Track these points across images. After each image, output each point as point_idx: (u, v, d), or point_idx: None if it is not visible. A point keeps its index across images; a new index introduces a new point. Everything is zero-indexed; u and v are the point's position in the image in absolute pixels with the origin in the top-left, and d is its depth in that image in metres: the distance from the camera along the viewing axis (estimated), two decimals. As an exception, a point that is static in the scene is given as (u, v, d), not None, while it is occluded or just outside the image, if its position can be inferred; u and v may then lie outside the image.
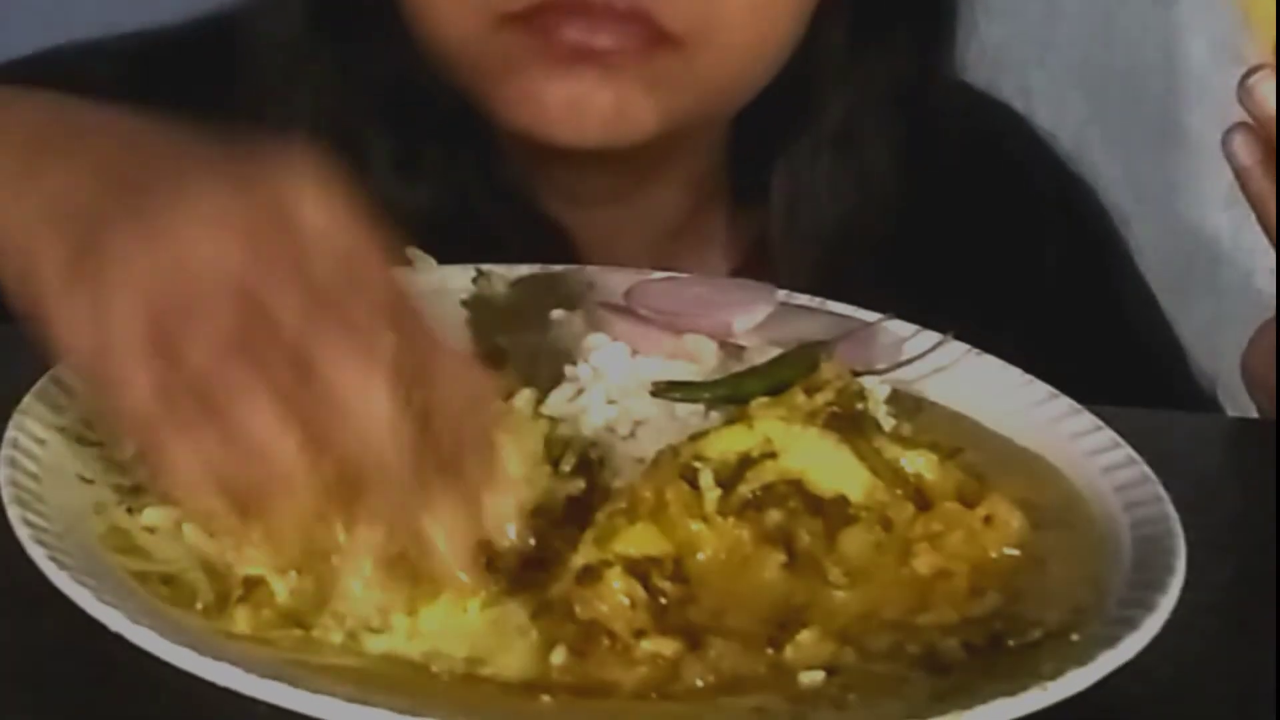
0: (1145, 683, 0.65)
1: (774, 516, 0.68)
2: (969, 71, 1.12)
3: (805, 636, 0.64)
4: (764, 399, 0.72)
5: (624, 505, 0.67)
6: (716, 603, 0.66)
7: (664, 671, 0.63)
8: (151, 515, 0.69)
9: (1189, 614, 0.66)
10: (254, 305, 0.63)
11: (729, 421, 0.72)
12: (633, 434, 0.75)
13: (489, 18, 0.95)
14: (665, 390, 0.76)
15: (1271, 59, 0.88)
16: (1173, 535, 0.70)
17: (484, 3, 0.95)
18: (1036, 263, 1.12)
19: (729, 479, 0.68)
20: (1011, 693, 0.60)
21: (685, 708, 0.62)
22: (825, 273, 1.03)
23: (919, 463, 0.71)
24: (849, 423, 0.71)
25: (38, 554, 0.63)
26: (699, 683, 0.63)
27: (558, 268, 0.90)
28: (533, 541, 0.67)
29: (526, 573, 0.66)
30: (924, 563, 0.68)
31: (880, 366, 0.82)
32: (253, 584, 0.65)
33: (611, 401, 0.76)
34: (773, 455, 0.69)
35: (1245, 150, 0.89)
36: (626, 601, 0.64)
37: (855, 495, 0.69)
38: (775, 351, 0.78)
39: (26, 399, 0.72)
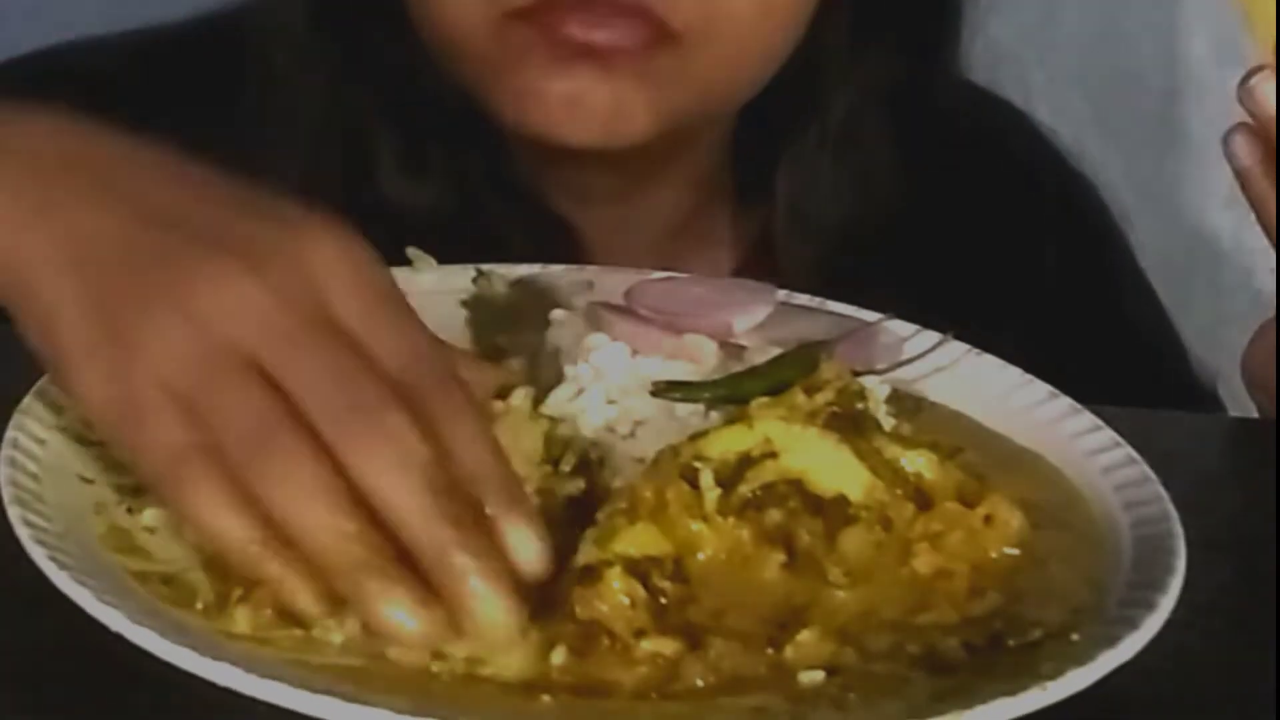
0: (1145, 683, 0.65)
1: (774, 516, 0.68)
2: (969, 71, 1.12)
3: (805, 636, 0.64)
4: (764, 399, 0.72)
5: (624, 505, 0.67)
6: (716, 603, 0.66)
7: (664, 671, 0.63)
8: (151, 515, 0.68)
9: (1189, 614, 0.66)
10: (284, 380, 0.63)
11: (729, 421, 0.71)
12: (633, 434, 0.75)
13: (495, 13, 0.95)
14: (665, 390, 0.76)
15: (1272, 59, 0.88)
16: (1173, 535, 0.70)
17: None
18: (1038, 258, 1.12)
19: (729, 479, 0.68)
20: (1011, 692, 0.60)
21: (685, 707, 0.62)
22: (828, 270, 1.04)
23: (919, 462, 0.71)
24: (849, 422, 0.71)
25: (38, 554, 0.63)
26: (699, 682, 0.63)
27: (558, 268, 0.90)
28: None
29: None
30: (924, 562, 0.68)
31: (880, 366, 0.82)
32: (252, 584, 0.65)
33: (611, 401, 0.76)
34: (773, 455, 0.69)
35: (1246, 151, 0.89)
36: (626, 601, 0.64)
37: (855, 495, 0.69)
38: (775, 351, 0.78)
39: (27, 399, 0.72)
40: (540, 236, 1.01)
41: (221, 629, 0.63)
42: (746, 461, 0.69)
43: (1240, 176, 0.90)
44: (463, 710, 0.60)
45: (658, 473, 0.69)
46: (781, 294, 0.84)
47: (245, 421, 0.63)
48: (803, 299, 0.88)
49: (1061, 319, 1.10)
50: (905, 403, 0.81)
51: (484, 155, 1.02)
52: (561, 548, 0.66)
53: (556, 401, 0.75)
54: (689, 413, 0.75)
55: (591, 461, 0.73)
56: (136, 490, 0.70)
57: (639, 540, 0.66)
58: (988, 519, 0.70)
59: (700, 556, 0.67)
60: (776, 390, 0.73)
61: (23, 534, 0.64)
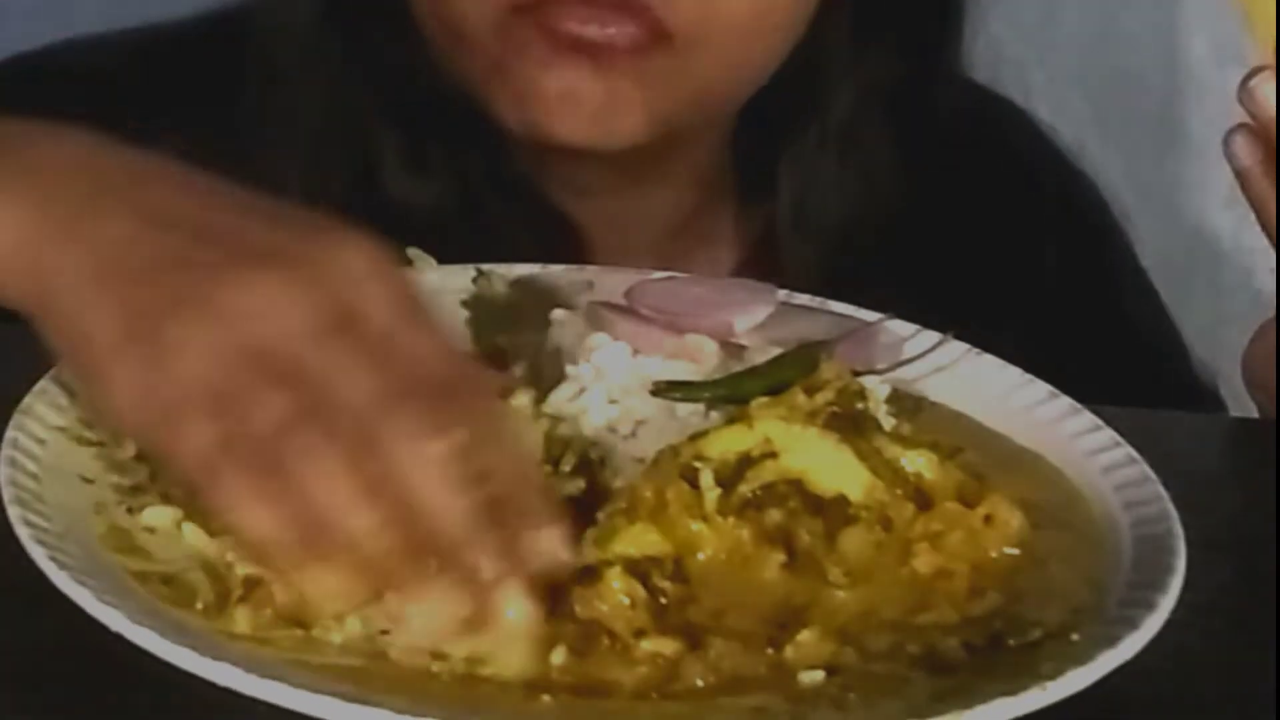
0: (1145, 682, 0.65)
1: (774, 516, 0.68)
2: (970, 71, 1.12)
3: (805, 636, 0.64)
4: (764, 399, 0.72)
5: (624, 505, 0.67)
6: (717, 602, 0.66)
7: (664, 671, 0.63)
8: (151, 515, 0.69)
9: (1189, 614, 0.66)
10: (313, 383, 0.64)
11: (729, 421, 0.71)
12: (633, 434, 0.75)
13: (498, 9, 0.95)
14: (666, 390, 0.76)
15: (1272, 60, 0.88)
16: (1173, 535, 0.70)
17: None
18: (1039, 257, 1.12)
19: (729, 479, 0.68)
20: (1011, 692, 0.60)
21: (685, 707, 0.62)
22: (830, 268, 1.04)
23: (919, 462, 0.71)
24: (849, 422, 0.71)
25: (38, 554, 0.63)
26: (699, 682, 0.63)
27: (558, 268, 0.90)
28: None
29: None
30: (924, 562, 0.68)
31: (880, 366, 0.82)
32: (252, 584, 0.65)
33: (613, 401, 0.76)
34: (773, 455, 0.69)
35: (1246, 151, 0.89)
36: (627, 601, 0.64)
37: (855, 495, 0.69)
38: (776, 351, 0.78)
39: (27, 399, 0.72)
40: (542, 234, 1.01)
41: (221, 629, 0.63)
42: (747, 461, 0.69)
43: (1240, 177, 0.90)
44: (463, 710, 0.60)
45: (658, 472, 0.69)
46: (782, 294, 0.84)
47: (279, 418, 0.63)
48: (803, 299, 0.88)
49: (1062, 318, 1.10)
50: (905, 403, 0.81)
51: (485, 153, 1.02)
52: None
53: (558, 401, 0.75)
54: (689, 412, 0.75)
55: (592, 461, 0.73)
56: (136, 490, 0.70)
57: (639, 540, 0.66)
58: (988, 519, 0.70)
59: (700, 556, 0.67)
60: (777, 390, 0.73)
61: (23, 534, 0.64)
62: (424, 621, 0.63)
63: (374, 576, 0.63)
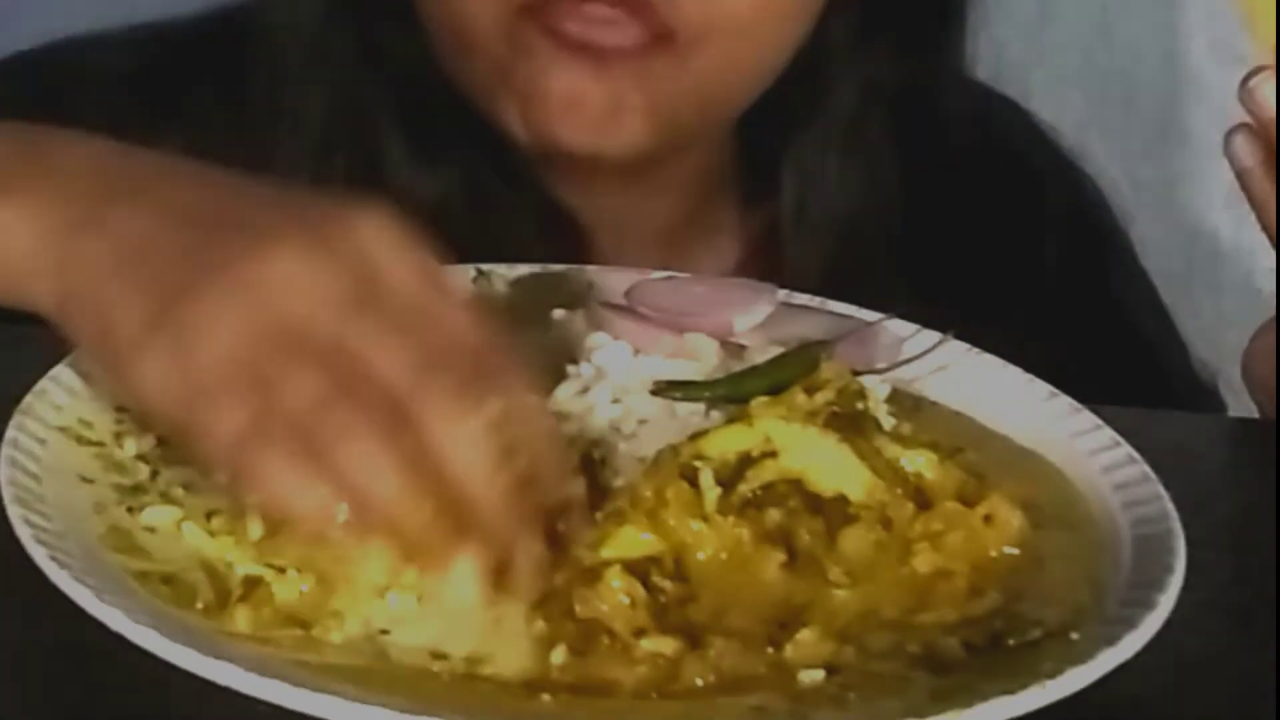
0: (1145, 682, 0.65)
1: (774, 516, 0.68)
2: (971, 70, 1.12)
3: (805, 635, 0.64)
4: (764, 398, 0.72)
5: (624, 505, 0.67)
6: (716, 602, 0.66)
7: (664, 671, 0.63)
8: (152, 515, 0.69)
9: (1188, 613, 0.66)
10: (344, 357, 0.64)
11: (729, 420, 0.72)
12: (634, 433, 0.75)
13: (505, 10, 0.95)
14: (666, 389, 0.76)
15: (1272, 60, 0.88)
16: (1172, 534, 0.70)
17: None
18: (1040, 255, 1.12)
19: (729, 478, 0.68)
20: (1011, 691, 0.60)
21: (685, 707, 0.62)
22: (833, 265, 1.04)
23: (919, 462, 0.71)
24: (849, 422, 0.71)
25: (38, 553, 0.63)
26: (699, 682, 0.63)
27: (558, 267, 0.90)
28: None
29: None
30: (924, 562, 0.68)
31: (880, 366, 0.82)
32: (253, 584, 0.65)
33: (614, 401, 0.76)
34: (773, 454, 0.69)
35: (1246, 151, 0.89)
36: (626, 600, 0.64)
37: (855, 494, 0.69)
38: (776, 351, 0.78)
39: (27, 398, 0.72)
40: (545, 230, 1.01)
41: (222, 628, 0.63)
42: (747, 461, 0.69)
43: (1241, 177, 0.90)
44: (463, 709, 0.60)
45: (658, 472, 0.69)
46: (782, 293, 0.84)
47: (313, 396, 0.63)
48: (803, 298, 0.88)
49: (1062, 317, 1.10)
50: (905, 402, 0.81)
51: (489, 149, 1.02)
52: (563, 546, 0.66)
53: (559, 401, 0.75)
54: (689, 412, 0.75)
55: (594, 460, 0.73)
56: (136, 490, 0.70)
57: (639, 540, 0.66)
58: (988, 518, 0.70)
59: (700, 556, 0.67)
60: (777, 390, 0.73)
61: (23, 533, 0.64)
62: (457, 590, 0.65)
63: (413, 549, 0.64)
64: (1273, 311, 0.92)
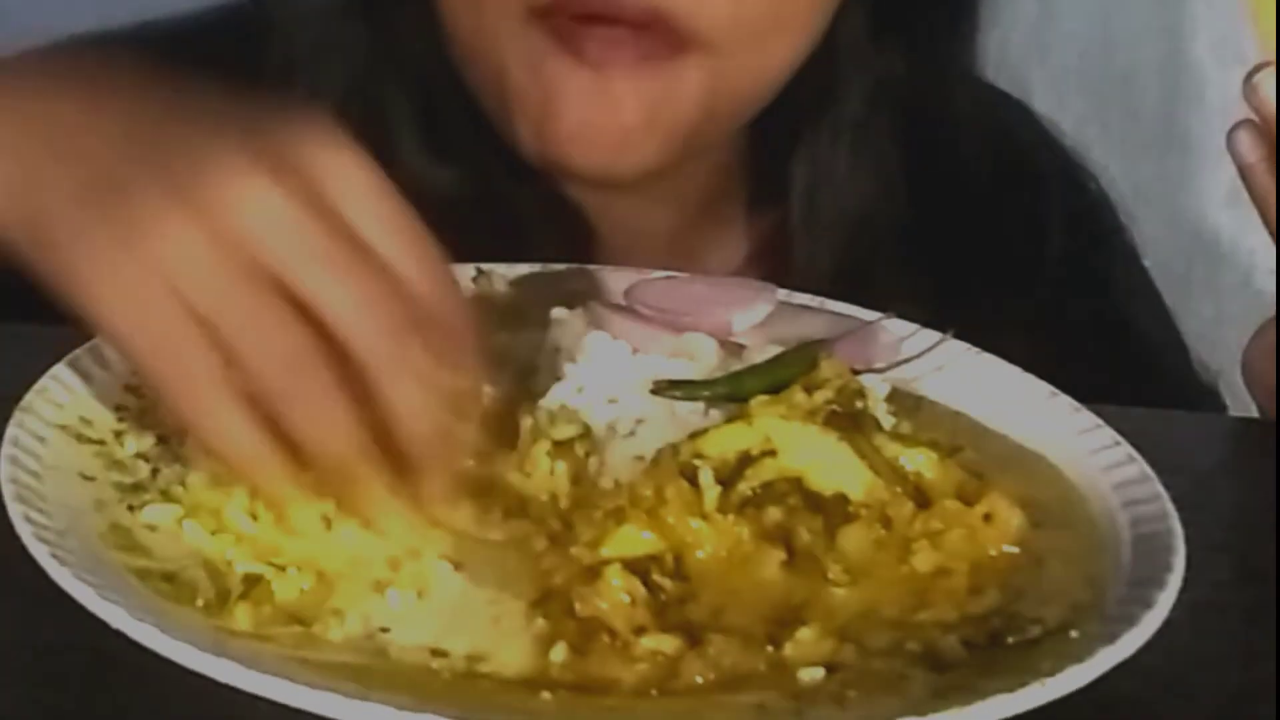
0: (1144, 680, 0.65)
1: (774, 514, 0.68)
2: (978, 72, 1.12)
3: (805, 634, 0.64)
4: (764, 397, 0.72)
5: (624, 503, 0.68)
6: (716, 600, 0.66)
7: (664, 669, 0.63)
8: (152, 513, 0.69)
9: (1188, 612, 0.66)
10: (287, 288, 0.65)
11: (729, 420, 0.72)
12: (633, 432, 0.75)
13: (517, 10, 0.95)
14: (665, 388, 0.76)
15: (1275, 56, 0.88)
16: (1171, 533, 0.70)
17: None
18: (1043, 255, 1.12)
19: (729, 477, 0.69)
20: (1011, 690, 0.61)
21: (685, 705, 0.62)
22: (842, 262, 1.04)
23: (918, 460, 0.71)
24: (849, 421, 0.71)
25: (39, 551, 0.63)
26: (699, 680, 0.63)
27: (558, 266, 0.90)
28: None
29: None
30: (923, 560, 0.68)
31: (879, 365, 0.82)
32: (253, 581, 0.65)
33: (612, 400, 0.76)
34: (772, 453, 0.69)
35: (1249, 147, 0.89)
36: (626, 599, 0.64)
37: (855, 493, 0.69)
38: (775, 350, 0.78)
39: (28, 396, 0.72)
40: (553, 226, 1.01)
41: (222, 626, 0.64)
42: (746, 460, 0.69)
43: (1243, 173, 0.90)
44: (463, 707, 0.60)
45: (658, 471, 0.69)
46: (781, 293, 0.84)
47: (263, 337, 0.64)
48: (802, 298, 0.88)
49: (1064, 317, 1.10)
50: (905, 401, 0.81)
51: (501, 146, 1.02)
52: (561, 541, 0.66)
53: (556, 399, 0.75)
54: (689, 411, 0.75)
55: (578, 459, 0.73)
56: (137, 488, 0.70)
57: (639, 538, 0.66)
58: (987, 517, 0.70)
59: (700, 554, 0.67)
60: (776, 389, 0.73)
61: (24, 531, 0.64)
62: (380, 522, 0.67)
63: (340, 480, 0.66)
64: (1273, 311, 0.92)
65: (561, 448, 0.73)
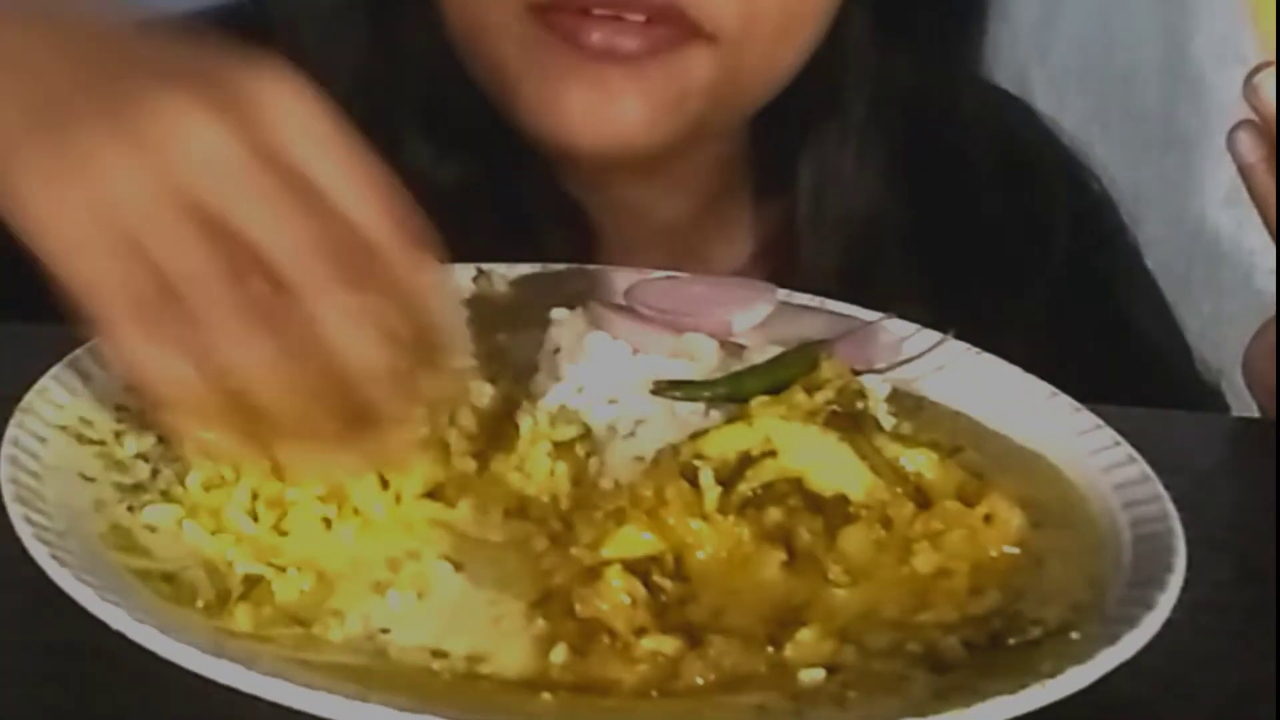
0: (1145, 681, 0.65)
1: (774, 515, 0.68)
2: (984, 69, 1.12)
3: (805, 635, 0.64)
4: (764, 397, 0.72)
5: (624, 504, 0.68)
6: (717, 601, 0.66)
7: (664, 669, 0.63)
8: (152, 514, 0.69)
9: (1188, 612, 0.66)
10: (228, 226, 0.64)
11: (729, 420, 0.72)
12: (633, 433, 0.75)
13: (518, 6, 0.95)
14: (665, 389, 0.76)
15: (1275, 56, 0.88)
16: (1172, 534, 0.70)
17: None
18: (1045, 255, 1.12)
19: (729, 477, 0.69)
20: (1011, 691, 0.61)
21: (685, 705, 0.62)
22: (847, 261, 1.04)
23: (919, 461, 0.71)
24: (849, 421, 0.71)
25: (39, 552, 0.63)
26: (699, 681, 0.63)
27: (558, 266, 0.90)
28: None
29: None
30: (924, 561, 0.68)
31: (880, 365, 0.82)
32: (253, 582, 0.65)
33: (612, 400, 0.76)
34: (773, 454, 0.69)
35: (1249, 147, 0.89)
36: (627, 599, 0.64)
37: (855, 494, 0.69)
38: (775, 350, 0.78)
39: (28, 397, 0.72)
40: (561, 217, 1.01)
41: (222, 627, 0.64)
42: (746, 460, 0.69)
43: (1244, 173, 0.90)
44: (463, 708, 0.60)
45: (658, 471, 0.69)
46: (782, 293, 0.84)
47: (188, 262, 0.64)
48: (803, 298, 0.88)
49: (1066, 316, 1.10)
50: (905, 401, 0.81)
51: (506, 140, 1.02)
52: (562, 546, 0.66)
53: (556, 399, 0.75)
54: (689, 411, 0.75)
55: (579, 459, 0.73)
56: (137, 489, 0.70)
57: (639, 539, 0.66)
58: (987, 518, 0.70)
59: (700, 555, 0.67)
60: (777, 389, 0.73)
61: (24, 532, 0.64)
62: (317, 466, 0.66)
63: (270, 421, 0.65)
64: (1273, 311, 0.92)
65: (562, 448, 0.73)
